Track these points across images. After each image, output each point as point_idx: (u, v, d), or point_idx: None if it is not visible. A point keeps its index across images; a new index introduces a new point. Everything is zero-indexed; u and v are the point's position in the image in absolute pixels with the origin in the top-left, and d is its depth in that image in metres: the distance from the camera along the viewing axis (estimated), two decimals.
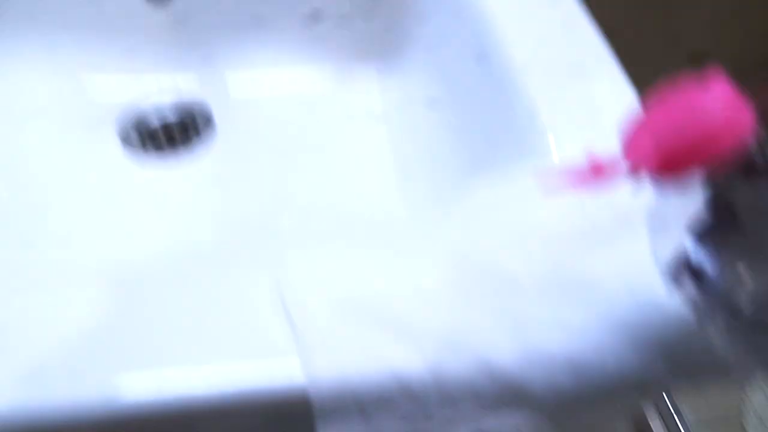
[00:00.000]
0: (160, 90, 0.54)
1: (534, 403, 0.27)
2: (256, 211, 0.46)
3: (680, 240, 0.21)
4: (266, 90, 0.55)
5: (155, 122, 0.54)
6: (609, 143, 0.22)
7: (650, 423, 1.11)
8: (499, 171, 0.37)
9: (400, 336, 0.27)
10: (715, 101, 0.19)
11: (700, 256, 0.20)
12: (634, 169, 0.20)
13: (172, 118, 0.54)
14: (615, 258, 0.29)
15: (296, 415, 0.27)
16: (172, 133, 0.53)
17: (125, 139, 0.52)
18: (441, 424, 0.27)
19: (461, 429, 0.27)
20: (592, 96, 0.39)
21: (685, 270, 0.21)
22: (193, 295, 0.29)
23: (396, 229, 0.35)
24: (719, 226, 0.20)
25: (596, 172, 0.21)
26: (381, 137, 0.51)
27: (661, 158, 0.19)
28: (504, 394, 0.27)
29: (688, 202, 0.20)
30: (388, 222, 0.38)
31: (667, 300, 0.24)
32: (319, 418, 0.26)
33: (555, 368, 0.27)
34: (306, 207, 0.46)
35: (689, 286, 0.21)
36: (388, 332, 0.27)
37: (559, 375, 0.27)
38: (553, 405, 0.27)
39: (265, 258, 0.32)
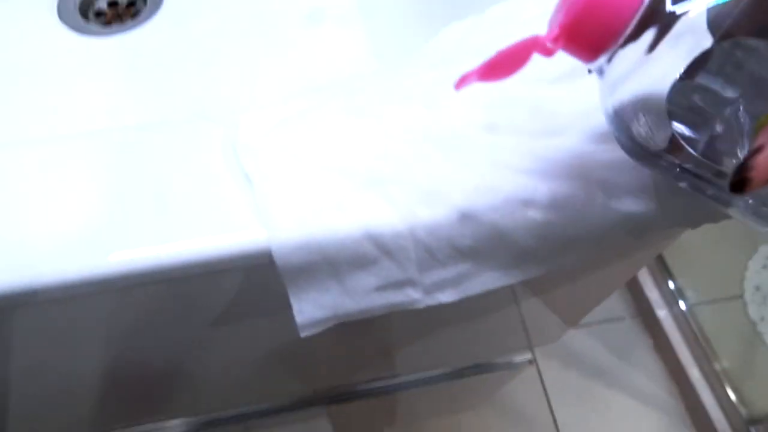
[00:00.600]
0: None
1: (514, 246, 0.25)
2: (211, 76, 0.42)
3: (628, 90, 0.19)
4: None
5: (100, 1, 0.49)
6: None
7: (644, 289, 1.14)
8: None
9: (370, 187, 0.25)
10: None
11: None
12: (551, 48, 0.19)
13: None
14: (578, 96, 0.26)
15: (269, 277, 0.25)
16: (119, 9, 0.49)
17: (68, 18, 0.47)
18: (418, 275, 0.25)
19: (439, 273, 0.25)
20: None
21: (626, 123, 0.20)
22: (152, 170, 0.27)
23: (361, 84, 0.31)
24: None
25: (507, 63, 0.19)
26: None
27: (567, 34, 0.19)
28: (482, 239, 0.25)
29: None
30: (354, 77, 0.34)
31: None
32: (288, 280, 0.25)
33: (533, 210, 0.25)
34: (266, 71, 0.43)
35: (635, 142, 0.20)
36: (355, 182, 0.25)
37: (538, 216, 0.25)
38: (534, 247, 0.25)
39: (220, 123, 0.29)
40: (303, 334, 0.26)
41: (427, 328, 0.43)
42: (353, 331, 0.35)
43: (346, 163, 0.25)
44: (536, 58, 0.29)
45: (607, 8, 0.18)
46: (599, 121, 0.26)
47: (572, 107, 0.27)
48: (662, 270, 1.13)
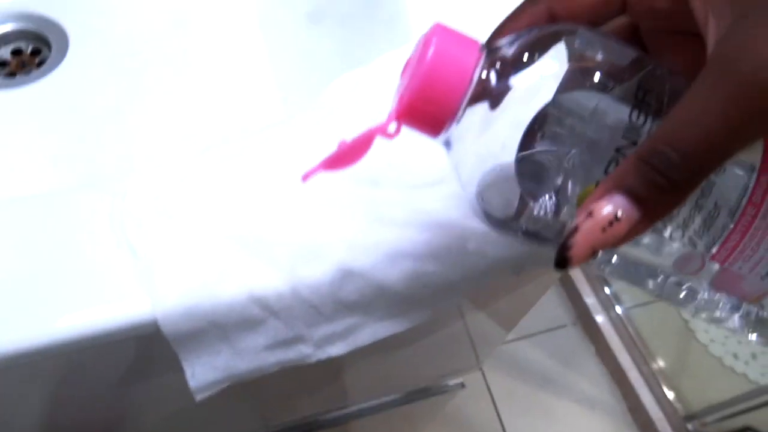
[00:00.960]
0: (5, 11, 0.48)
1: (397, 296, 0.26)
2: (112, 131, 0.42)
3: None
4: (127, 4, 0.49)
5: (2, 50, 0.48)
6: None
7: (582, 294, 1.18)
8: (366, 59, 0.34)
9: (253, 251, 0.25)
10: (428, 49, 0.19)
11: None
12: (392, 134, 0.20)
13: (21, 43, 0.48)
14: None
15: (160, 344, 0.25)
16: (24, 58, 0.48)
17: None
18: (307, 331, 0.26)
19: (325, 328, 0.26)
20: None
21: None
22: (38, 244, 0.27)
23: (252, 141, 0.32)
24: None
25: (351, 153, 0.21)
26: (250, 30, 0.47)
27: (406, 115, 0.20)
28: (366, 293, 0.26)
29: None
30: (247, 133, 0.35)
31: None
32: (177, 346, 0.25)
33: (412, 261, 0.26)
34: (171, 121, 0.43)
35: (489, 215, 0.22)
36: (239, 246, 0.25)
37: (417, 266, 0.26)
38: (417, 295, 0.26)
39: (113, 182, 0.29)
40: (198, 398, 0.26)
41: (374, 357, 0.43)
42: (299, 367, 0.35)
43: (231, 227, 0.26)
44: None
45: (440, 86, 0.19)
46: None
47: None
48: (598, 276, 1.17)
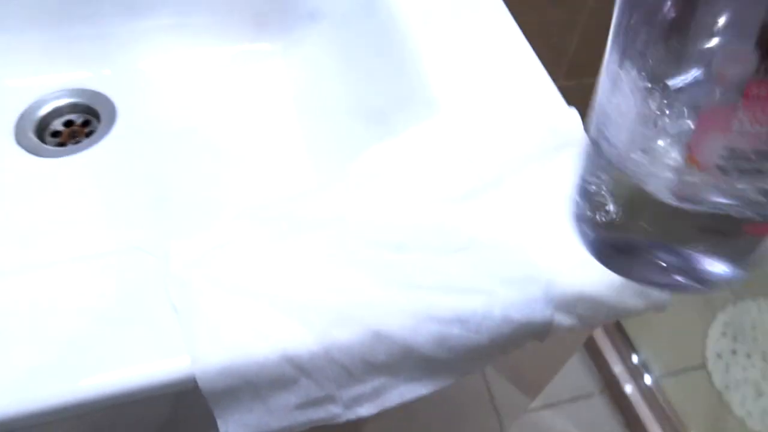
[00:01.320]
0: (60, 86, 0.52)
1: (424, 359, 0.27)
2: (155, 197, 0.45)
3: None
4: (169, 76, 0.53)
5: (56, 122, 0.52)
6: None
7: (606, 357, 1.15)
8: (393, 131, 0.37)
9: (288, 313, 0.27)
10: None
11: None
12: None
13: (73, 115, 0.52)
14: (480, 212, 0.29)
15: (198, 400, 0.27)
16: (75, 128, 0.52)
17: (24, 140, 0.50)
18: (337, 392, 0.27)
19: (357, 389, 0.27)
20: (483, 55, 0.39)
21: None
22: (87, 303, 0.28)
23: (288, 208, 0.34)
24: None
25: None
26: (287, 113, 0.50)
27: None
28: (394, 355, 0.27)
29: None
30: (284, 200, 0.37)
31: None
32: (212, 403, 0.26)
33: (438, 324, 0.27)
34: (214, 190, 0.45)
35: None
36: (275, 309, 0.27)
37: (443, 329, 0.27)
38: (443, 358, 0.27)
39: (155, 246, 0.31)
40: None
41: (397, 422, 0.43)
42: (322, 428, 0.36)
43: (267, 290, 0.27)
44: (442, 179, 0.32)
45: None
46: (499, 233, 0.29)
47: (474, 223, 0.30)
48: (625, 343, 1.15)
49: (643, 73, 0.19)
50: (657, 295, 0.30)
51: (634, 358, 1.13)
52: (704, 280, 0.22)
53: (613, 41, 0.20)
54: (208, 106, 0.52)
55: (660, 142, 0.19)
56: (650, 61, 0.19)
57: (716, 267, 0.21)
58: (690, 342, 1.20)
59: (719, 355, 1.20)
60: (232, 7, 0.53)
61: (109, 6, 0.52)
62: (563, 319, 0.28)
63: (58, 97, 0.52)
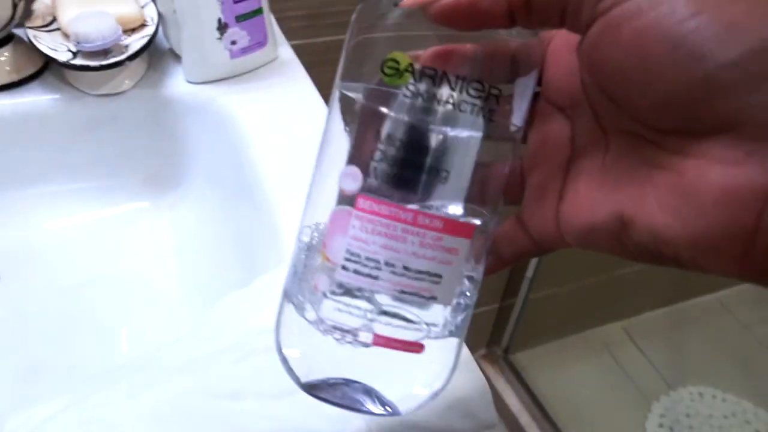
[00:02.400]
0: None
1: None
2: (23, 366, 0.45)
3: None
4: (55, 238, 0.55)
5: None
6: None
7: None
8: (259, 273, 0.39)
9: None
10: None
11: None
12: None
13: None
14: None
15: None
16: None
17: None
18: None
19: None
20: None
21: None
22: None
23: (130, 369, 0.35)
24: None
25: None
26: (167, 266, 0.53)
27: None
28: None
29: None
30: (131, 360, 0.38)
31: None
32: None
33: None
34: (73, 354, 0.46)
35: None
36: None
37: None
38: None
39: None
40: None
41: None
42: None
43: None
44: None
45: None
46: None
47: None
48: None
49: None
50: (484, 414, 0.32)
51: None
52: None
53: None
54: (90, 265, 0.53)
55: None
56: None
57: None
58: None
59: None
60: (121, 171, 0.57)
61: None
62: None
63: None
